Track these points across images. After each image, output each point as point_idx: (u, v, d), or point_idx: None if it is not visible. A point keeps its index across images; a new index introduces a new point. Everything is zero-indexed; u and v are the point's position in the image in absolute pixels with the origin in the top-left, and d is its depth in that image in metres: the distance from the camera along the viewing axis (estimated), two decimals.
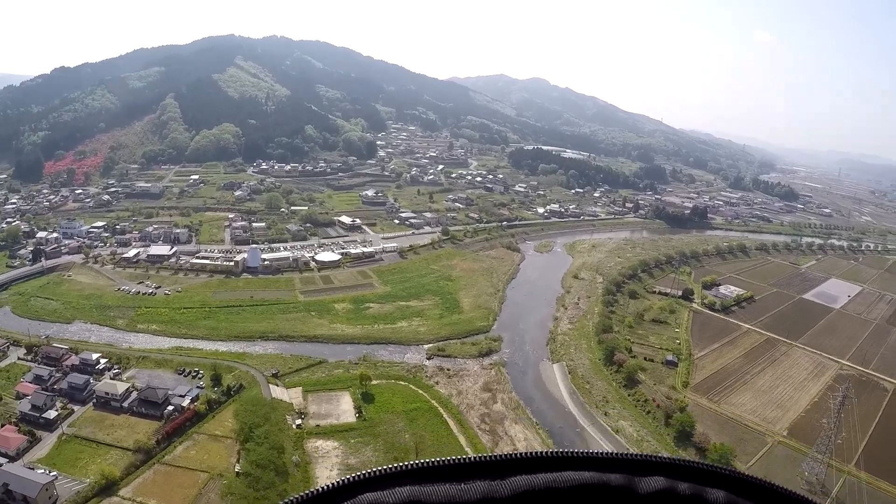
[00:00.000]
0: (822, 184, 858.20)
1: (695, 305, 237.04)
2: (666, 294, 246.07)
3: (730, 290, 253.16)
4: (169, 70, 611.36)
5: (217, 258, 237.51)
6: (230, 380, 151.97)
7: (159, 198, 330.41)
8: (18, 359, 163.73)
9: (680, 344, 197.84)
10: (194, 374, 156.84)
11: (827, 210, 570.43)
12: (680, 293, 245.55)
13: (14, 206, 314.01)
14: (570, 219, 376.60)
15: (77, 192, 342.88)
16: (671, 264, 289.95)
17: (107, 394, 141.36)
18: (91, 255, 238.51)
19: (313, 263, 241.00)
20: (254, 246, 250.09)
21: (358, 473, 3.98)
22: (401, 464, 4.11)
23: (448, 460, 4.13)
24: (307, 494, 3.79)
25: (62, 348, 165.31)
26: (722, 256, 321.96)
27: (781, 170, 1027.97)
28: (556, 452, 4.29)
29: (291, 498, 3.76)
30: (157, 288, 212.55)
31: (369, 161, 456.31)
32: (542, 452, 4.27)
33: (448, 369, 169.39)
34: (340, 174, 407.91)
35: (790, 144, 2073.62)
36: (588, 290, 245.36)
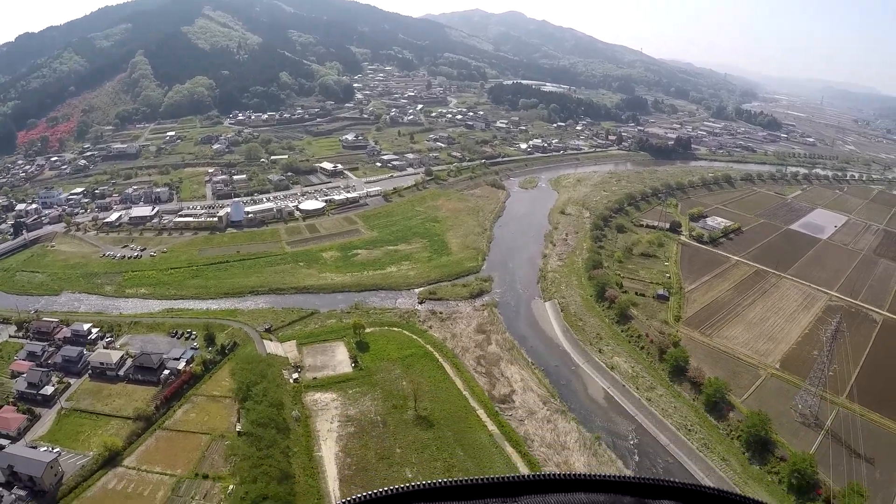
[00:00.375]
0: (805, 112, 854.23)
1: (683, 238, 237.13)
2: (654, 227, 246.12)
3: (717, 222, 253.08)
4: (136, 26, 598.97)
5: (200, 215, 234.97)
6: (224, 338, 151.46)
7: (137, 158, 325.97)
8: (10, 336, 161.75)
9: (670, 278, 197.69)
10: (187, 335, 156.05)
11: (811, 139, 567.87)
12: (668, 226, 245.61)
13: None
14: (554, 153, 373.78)
15: (53, 159, 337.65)
16: (657, 197, 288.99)
17: (102, 364, 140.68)
18: (72, 223, 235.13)
19: (298, 213, 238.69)
20: (236, 200, 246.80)
21: (367, 493, 4.00)
22: (412, 484, 4.11)
23: (459, 481, 4.12)
24: None
25: (53, 321, 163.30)
26: (708, 188, 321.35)
27: (763, 98, 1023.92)
28: (569, 475, 4.34)
29: None
30: (142, 250, 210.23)
31: (347, 105, 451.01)
32: (554, 475, 4.34)
33: (440, 313, 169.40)
34: (319, 120, 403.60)
35: (771, 73, 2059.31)
36: (576, 226, 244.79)
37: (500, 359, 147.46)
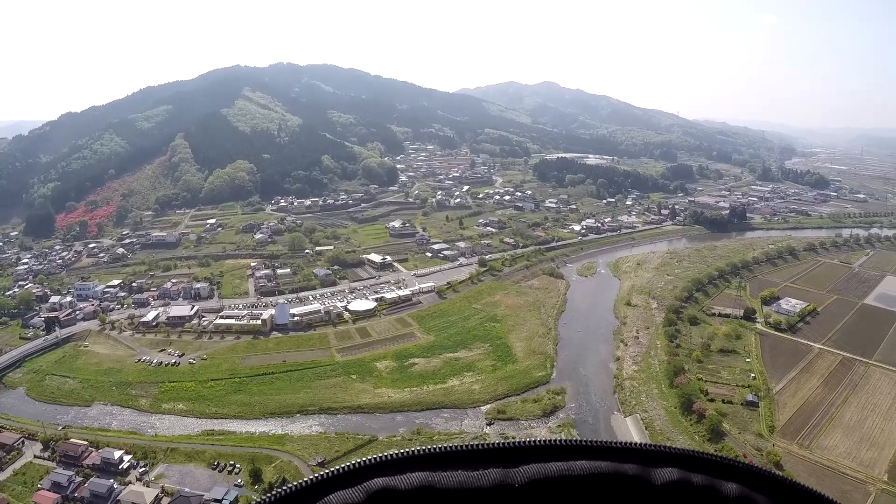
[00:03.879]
0: (846, 165, 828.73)
1: (759, 326, 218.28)
2: (727, 315, 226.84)
3: (791, 304, 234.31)
4: (176, 108, 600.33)
5: (242, 316, 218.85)
6: (271, 473, 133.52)
7: (176, 247, 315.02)
8: (35, 457, 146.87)
9: (755, 378, 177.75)
10: (230, 468, 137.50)
11: (861, 195, 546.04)
12: (741, 313, 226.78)
13: (26, 265, 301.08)
14: (608, 233, 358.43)
15: (90, 245, 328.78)
16: (724, 278, 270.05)
17: None
18: (108, 321, 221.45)
19: (347, 314, 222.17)
20: (281, 301, 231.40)
21: (369, 458, 3.99)
22: (413, 449, 4.13)
23: (461, 446, 4.15)
24: (319, 477, 3.75)
25: (81, 444, 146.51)
26: (772, 263, 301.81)
27: (802, 153, 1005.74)
28: (570, 441, 4.34)
29: (304, 480, 3.69)
30: (180, 356, 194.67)
31: (391, 188, 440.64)
32: (555, 441, 4.33)
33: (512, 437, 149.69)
34: (363, 205, 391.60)
35: (803, 125, 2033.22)
36: (645, 320, 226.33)
37: None
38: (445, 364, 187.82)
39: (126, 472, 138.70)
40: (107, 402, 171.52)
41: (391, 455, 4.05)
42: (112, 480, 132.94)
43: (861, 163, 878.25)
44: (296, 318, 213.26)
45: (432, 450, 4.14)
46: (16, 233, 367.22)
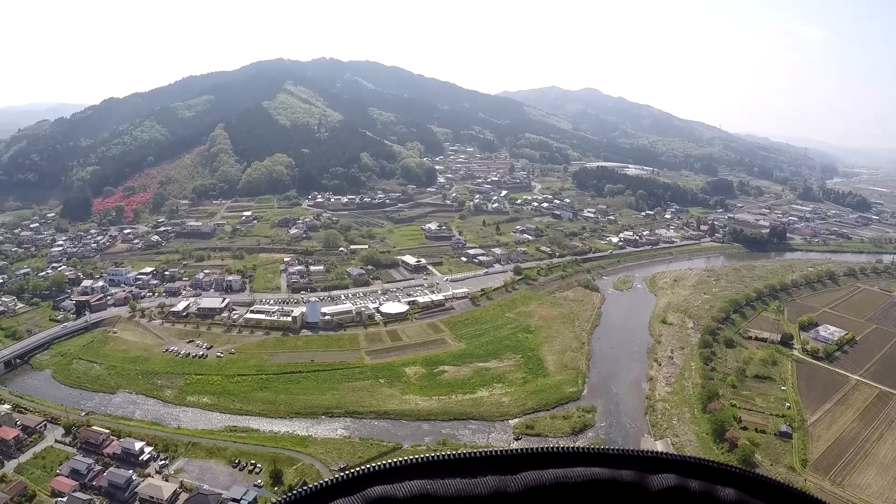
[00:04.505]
0: (888, 187, 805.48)
1: (796, 353, 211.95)
2: (763, 339, 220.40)
3: (829, 332, 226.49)
4: (218, 98, 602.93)
5: (273, 312, 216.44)
6: (292, 475, 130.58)
7: (210, 237, 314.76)
8: (56, 441, 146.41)
9: (790, 407, 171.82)
10: (251, 467, 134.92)
11: None
12: (778, 338, 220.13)
13: (61, 247, 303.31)
14: (646, 247, 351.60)
15: (125, 231, 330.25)
16: (762, 300, 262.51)
17: (151, 498, 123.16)
18: (138, 309, 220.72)
19: (378, 316, 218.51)
20: (313, 299, 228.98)
21: (366, 466, 4.02)
22: (410, 457, 4.17)
23: (458, 454, 4.21)
24: (318, 486, 3.79)
25: (103, 433, 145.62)
26: (811, 286, 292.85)
27: (844, 173, 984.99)
28: (567, 448, 4.38)
29: (303, 489, 3.75)
30: (208, 349, 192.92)
31: (429, 189, 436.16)
32: (552, 448, 4.38)
33: None
34: (400, 205, 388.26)
35: (847, 144, 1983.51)
36: (680, 339, 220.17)
37: None
38: (475, 373, 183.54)
39: (146, 463, 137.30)
40: (132, 391, 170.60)
41: (389, 463, 4.08)
42: (131, 472, 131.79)
43: None
44: (326, 318, 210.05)
45: (430, 458, 4.14)
46: (52, 214, 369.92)
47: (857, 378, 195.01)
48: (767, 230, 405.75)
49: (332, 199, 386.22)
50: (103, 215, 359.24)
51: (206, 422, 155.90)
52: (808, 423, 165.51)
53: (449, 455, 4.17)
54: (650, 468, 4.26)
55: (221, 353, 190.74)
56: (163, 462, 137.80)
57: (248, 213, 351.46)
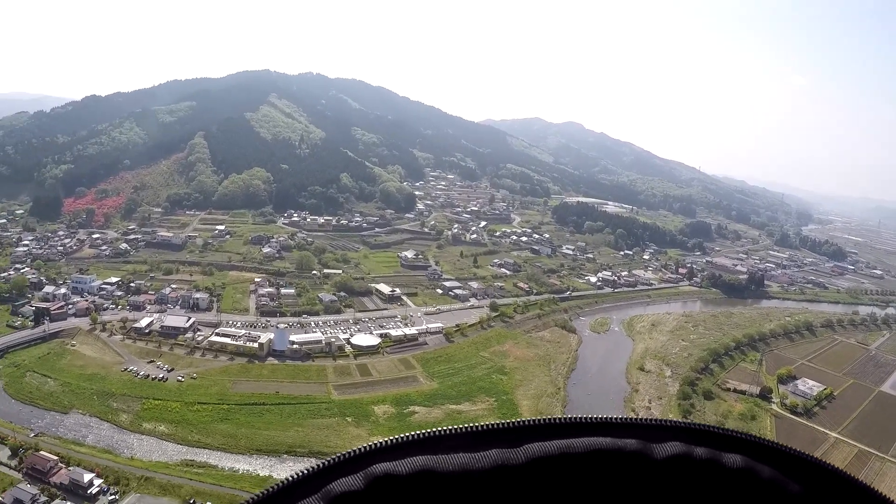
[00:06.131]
0: (862, 236, 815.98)
1: (774, 408, 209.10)
2: (742, 392, 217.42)
3: (808, 386, 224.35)
4: (200, 105, 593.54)
5: (240, 336, 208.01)
6: None
7: (181, 249, 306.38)
8: (1, 463, 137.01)
9: None
10: None
11: (878, 271, 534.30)
12: (757, 391, 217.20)
13: (26, 248, 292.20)
14: (624, 288, 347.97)
15: (94, 236, 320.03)
16: (740, 350, 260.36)
17: None
18: (99, 321, 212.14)
19: (349, 348, 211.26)
20: (282, 326, 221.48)
21: (369, 444, 3.97)
22: (413, 433, 4.08)
23: (460, 428, 4.13)
24: (320, 465, 3.75)
25: (51, 458, 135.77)
26: (789, 337, 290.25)
27: (818, 220, 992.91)
28: (570, 418, 4.32)
29: (306, 469, 3.72)
30: (169, 371, 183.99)
31: (408, 215, 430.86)
32: (555, 418, 4.30)
33: None
34: (377, 229, 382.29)
35: (821, 190, 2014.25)
36: (658, 389, 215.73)
37: None
38: (447, 416, 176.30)
39: (95, 497, 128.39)
40: (85, 412, 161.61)
41: (392, 440, 3.97)
42: None
43: (878, 236, 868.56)
44: (294, 346, 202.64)
45: (433, 433, 4.04)
46: (21, 211, 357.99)
47: (836, 436, 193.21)
48: (745, 276, 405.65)
49: (309, 219, 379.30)
50: (73, 217, 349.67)
51: (162, 453, 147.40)
52: None
53: (452, 429, 4.07)
54: (654, 437, 4.15)
55: (182, 376, 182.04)
56: (112, 497, 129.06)
57: (222, 227, 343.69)
